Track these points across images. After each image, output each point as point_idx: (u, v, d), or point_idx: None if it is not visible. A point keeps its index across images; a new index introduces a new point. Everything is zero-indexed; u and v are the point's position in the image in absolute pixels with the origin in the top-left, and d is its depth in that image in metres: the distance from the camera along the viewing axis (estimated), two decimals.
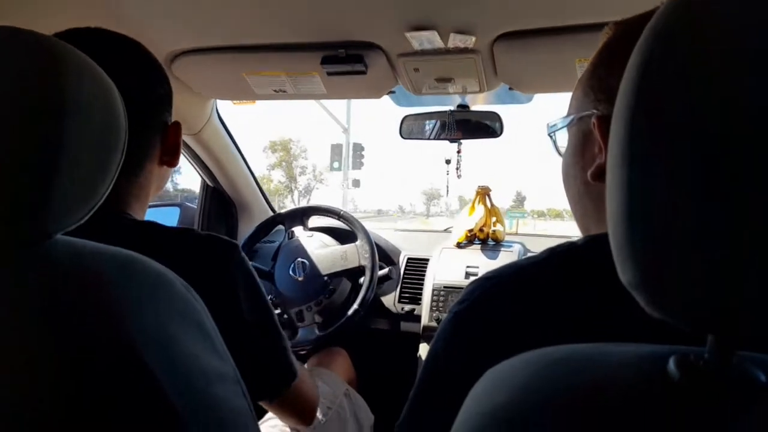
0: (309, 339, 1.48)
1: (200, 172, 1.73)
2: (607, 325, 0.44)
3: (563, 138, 0.62)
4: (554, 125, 0.62)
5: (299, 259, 1.53)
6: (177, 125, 0.79)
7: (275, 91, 1.32)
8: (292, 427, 1.06)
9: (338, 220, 1.61)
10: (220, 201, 1.84)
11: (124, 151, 0.50)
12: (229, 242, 0.74)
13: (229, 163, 1.70)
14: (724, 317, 0.26)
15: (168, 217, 1.92)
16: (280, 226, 1.73)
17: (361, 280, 1.51)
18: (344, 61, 1.14)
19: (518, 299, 0.51)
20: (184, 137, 1.41)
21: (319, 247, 1.58)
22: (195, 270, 0.56)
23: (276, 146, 36.92)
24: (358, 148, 17.27)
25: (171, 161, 0.79)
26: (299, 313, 1.51)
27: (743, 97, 0.25)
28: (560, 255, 0.52)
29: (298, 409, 0.86)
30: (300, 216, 1.67)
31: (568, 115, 0.59)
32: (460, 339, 0.53)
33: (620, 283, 0.30)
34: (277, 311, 1.49)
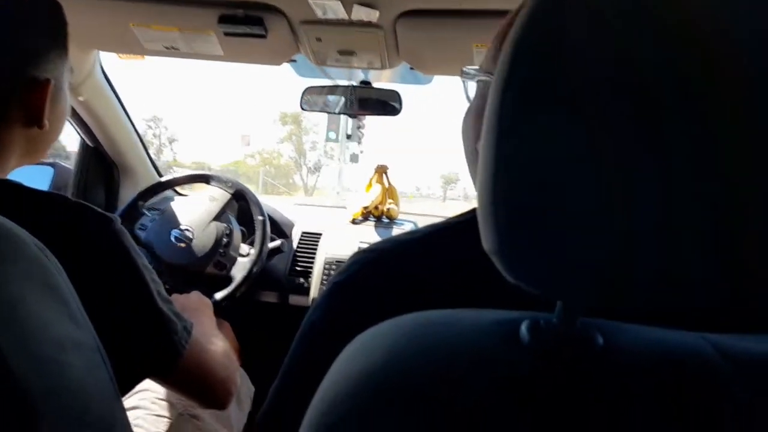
0: None
1: (78, 130, 1.58)
2: (475, 294, 0.46)
3: (472, 91, 0.60)
4: (467, 73, 0.60)
5: (184, 226, 1.45)
6: (46, 84, 0.69)
7: (166, 47, 1.23)
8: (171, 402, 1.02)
9: (230, 191, 1.54)
10: (100, 163, 1.69)
11: None
12: (103, 215, 0.67)
13: (112, 123, 1.56)
14: (570, 284, 0.29)
15: (39, 177, 1.73)
16: (168, 192, 1.63)
17: (247, 256, 1.47)
18: (243, 23, 1.09)
19: (395, 272, 0.51)
20: None
21: (205, 215, 1.50)
22: (61, 239, 0.51)
23: (287, 118, 33.35)
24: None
25: (36, 123, 0.69)
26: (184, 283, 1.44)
27: (611, 60, 0.26)
28: (440, 230, 0.54)
29: (198, 389, 0.78)
30: (190, 182, 1.58)
31: (478, 71, 0.58)
32: (337, 308, 0.53)
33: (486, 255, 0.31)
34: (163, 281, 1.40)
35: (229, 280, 1.45)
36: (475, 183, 0.61)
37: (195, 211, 1.48)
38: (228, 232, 1.48)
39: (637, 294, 0.29)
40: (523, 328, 0.31)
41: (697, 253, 0.27)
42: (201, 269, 1.44)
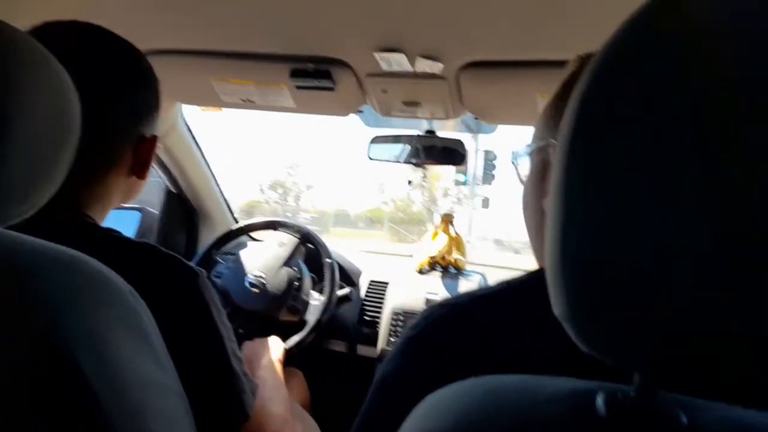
0: None
1: (163, 177, 1.70)
2: (549, 358, 0.44)
3: (525, 167, 0.62)
4: (516, 153, 0.63)
5: (257, 272, 1.49)
6: (153, 139, 0.75)
7: (243, 100, 1.31)
8: None
9: (304, 238, 1.58)
10: (182, 208, 1.80)
11: (76, 147, 0.48)
12: (191, 268, 0.70)
13: (192, 171, 1.67)
14: (648, 357, 0.27)
15: (128, 221, 1.87)
16: (242, 238, 1.70)
17: (318, 301, 1.49)
18: (313, 76, 1.14)
19: (469, 328, 0.51)
20: None
21: (276, 260, 1.54)
22: (150, 290, 0.53)
23: None
24: (490, 157, 12.17)
25: (141, 174, 0.76)
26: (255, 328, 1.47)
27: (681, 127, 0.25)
28: (514, 288, 0.53)
29: None
30: (259, 229, 1.64)
31: (531, 143, 0.60)
32: (410, 364, 0.53)
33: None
34: (234, 325, 1.43)
35: (301, 325, 1.46)
36: (536, 250, 0.60)
37: (266, 257, 1.53)
38: (299, 276, 1.51)
39: (726, 366, 0.26)
40: (599, 400, 0.29)
41: None
42: (275, 314, 1.46)
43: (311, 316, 1.47)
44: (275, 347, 1.23)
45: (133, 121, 0.73)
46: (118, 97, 0.71)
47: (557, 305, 0.29)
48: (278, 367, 1.14)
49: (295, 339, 1.42)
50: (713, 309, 0.25)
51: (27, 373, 0.39)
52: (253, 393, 0.74)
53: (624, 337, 0.27)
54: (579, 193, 0.27)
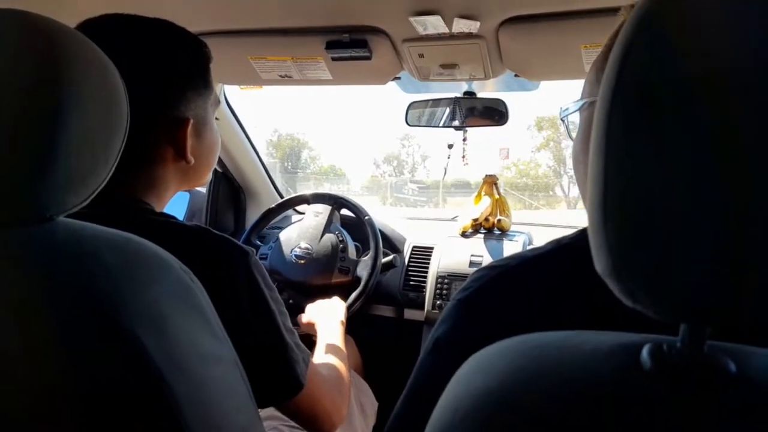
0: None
1: None
2: (599, 316, 0.44)
3: (576, 122, 0.61)
4: (566, 109, 0.62)
5: (303, 243, 1.54)
6: (187, 122, 0.75)
7: (281, 76, 1.32)
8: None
9: (329, 203, 1.61)
10: (228, 187, 1.85)
11: (126, 135, 0.50)
12: (242, 248, 0.73)
13: (237, 150, 1.70)
14: (696, 306, 0.26)
15: (178, 202, 1.94)
16: (290, 211, 1.74)
17: (366, 258, 1.52)
18: (348, 46, 1.14)
19: (519, 289, 0.51)
20: None
21: (315, 230, 1.58)
22: (204, 271, 0.56)
23: (543, 123, 30.25)
24: None
25: (182, 158, 0.76)
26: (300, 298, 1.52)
27: (728, 79, 0.25)
28: (564, 247, 0.53)
29: (308, 419, 0.81)
30: (305, 202, 1.67)
31: (580, 99, 0.59)
32: (461, 325, 0.53)
33: None
34: (283, 296, 1.49)
35: (355, 284, 1.50)
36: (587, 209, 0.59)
37: (305, 228, 1.58)
38: (342, 238, 1.55)
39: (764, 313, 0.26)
40: (645, 352, 0.29)
41: None
42: (328, 280, 1.51)
43: (363, 272, 1.50)
44: (337, 307, 1.28)
45: (162, 106, 0.74)
46: (158, 81, 0.73)
47: (599, 261, 0.29)
48: (340, 328, 1.18)
49: (353, 295, 1.46)
50: (761, 257, 0.25)
51: (91, 350, 0.42)
52: (306, 363, 0.77)
53: (669, 289, 0.26)
54: (621, 148, 0.27)
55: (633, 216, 0.27)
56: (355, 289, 1.48)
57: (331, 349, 1.05)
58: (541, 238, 1.63)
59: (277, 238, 1.59)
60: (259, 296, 0.72)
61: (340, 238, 1.55)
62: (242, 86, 1.50)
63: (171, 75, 0.75)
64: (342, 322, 1.21)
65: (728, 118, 0.25)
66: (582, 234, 0.53)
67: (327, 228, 1.56)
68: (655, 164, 0.26)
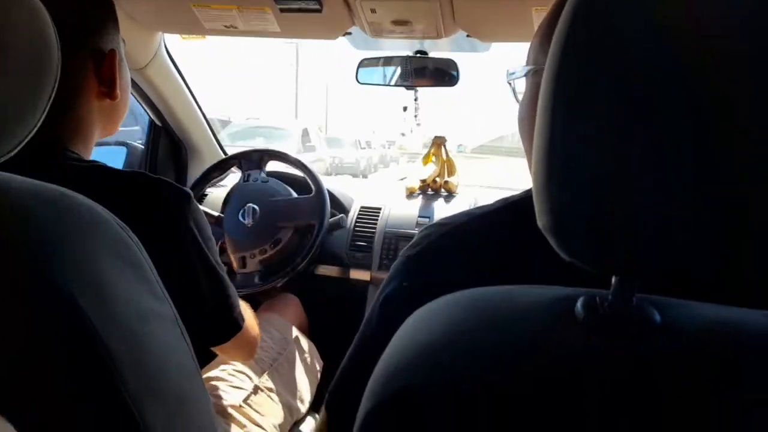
0: (246, 286, 1.46)
1: (147, 110, 1.65)
2: (544, 271, 0.45)
3: (521, 86, 0.61)
4: (512, 73, 0.62)
5: (250, 204, 1.50)
6: (113, 53, 0.74)
7: (225, 26, 1.26)
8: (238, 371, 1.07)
9: (295, 168, 1.58)
10: (168, 142, 1.77)
11: (57, 77, 0.47)
12: (181, 190, 0.72)
13: (177, 102, 1.62)
14: (626, 261, 0.29)
15: (113, 157, 1.84)
16: (233, 170, 1.68)
17: (310, 236, 1.51)
18: None
19: (468, 245, 0.52)
20: (129, 72, 1.34)
21: (272, 195, 1.55)
22: (142, 215, 0.55)
23: None
24: None
25: (110, 93, 0.74)
26: (242, 259, 1.49)
27: (670, 46, 0.26)
28: (512, 204, 0.54)
29: (240, 352, 0.88)
30: (256, 160, 1.62)
31: (526, 64, 0.59)
32: (410, 282, 0.54)
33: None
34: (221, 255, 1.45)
35: (301, 248, 1.49)
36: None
37: (254, 188, 1.54)
38: (290, 201, 1.52)
39: (696, 265, 0.28)
40: (579, 304, 0.31)
41: (759, 222, 0.26)
42: (273, 242, 1.48)
43: (309, 237, 1.50)
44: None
45: (93, 35, 0.72)
46: (77, 13, 0.69)
47: (541, 216, 0.31)
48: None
49: (298, 260, 1.45)
50: (687, 216, 0.27)
51: (22, 308, 0.40)
52: (237, 298, 0.80)
53: (602, 244, 0.29)
54: (567, 113, 0.29)
55: (574, 176, 0.29)
56: (301, 248, 1.47)
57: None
58: (488, 200, 1.66)
59: (226, 196, 1.55)
60: (202, 237, 0.72)
61: (289, 199, 1.53)
62: (184, 36, 1.42)
63: (92, 4, 0.72)
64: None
65: (666, 86, 0.26)
66: (528, 193, 0.54)
67: (277, 189, 1.53)
68: (596, 129, 0.28)
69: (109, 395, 0.42)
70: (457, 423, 0.29)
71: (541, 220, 0.31)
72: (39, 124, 0.46)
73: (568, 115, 0.29)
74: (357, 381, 0.55)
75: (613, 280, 0.30)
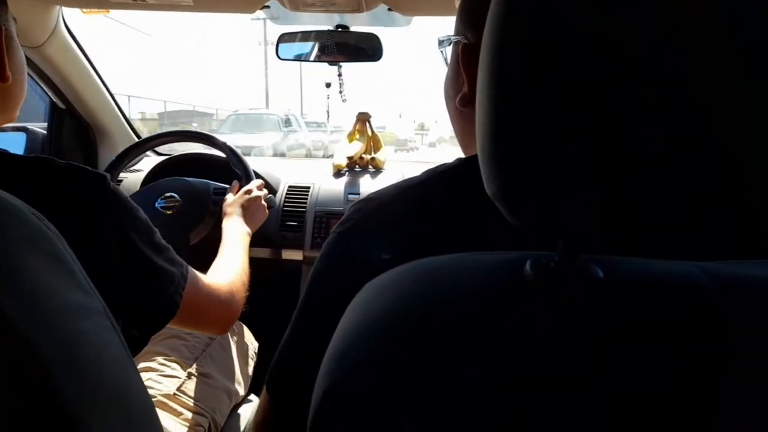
0: None
1: (48, 92, 1.52)
2: (481, 236, 0.47)
3: (449, 55, 0.62)
4: (441, 41, 0.62)
5: (168, 192, 1.40)
6: (1, 31, 0.67)
7: None
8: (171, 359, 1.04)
9: (221, 151, 1.48)
10: (74, 125, 1.64)
11: None
12: (95, 173, 0.67)
13: (81, 82, 1.51)
14: (570, 223, 0.31)
15: (11, 144, 1.69)
16: (149, 153, 1.59)
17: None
18: None
19: (398, 217, 0.52)
20: (25, 51, 1.22)
21: (192, 178, 1.46)
22: (54, 203, 0.51)
23: None
24: None
25: (3, 74, 0.68)
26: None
27: (608, 23, 0.28)
28: (437, 175, 0.55)
29: (195, 327, 0.87)
30: (172, 141, 1.54)
31: (453, 34, 0.59)
32: (343, 258, 0.54)
33: (487, 198, 0.33)
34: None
35: None
36: (458, 136, 0.62)
37: (183, 173, 1.45)
38: (215, 185, 1.44)
39: (633, 228, 0.30)
40: (528, 266, 0.32)
41: (694, 181, 0.29)
42: (199, 228, 1.38)
43: None
44: (253, 216, 1.28)
45: None
46: None
47: (491, 184, 0.32)
48: (245, 238, 1.19)
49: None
50: (621, 184, 0.29)
51: None
52: (184, 277, 0.76)
53: (549, 209, 0.31)
54: (512, 83, 0.30)
55: (520, 144, 0.30)
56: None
57: (229, 253, 1.09)
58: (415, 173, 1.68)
59: (142, 184, 1.45)
60: (119, 222, 0.68)
61: (212, 184, 1.44)
62: (84, 9, 1.31)
63: None
64: (248, 233, 1.23)
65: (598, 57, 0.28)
66: (456, 162, 0.55)
67: (198, 172, 1.45)
68: (541, 99, 0.29)
69: (42, 399, 0.39)
70: (417, 394, 0.30)
71: (491, 188, 0.33)
72: None
73: (511, 84, 0.30)
74: (298, 359, 0.55)
75: (560, 242, 0.32)
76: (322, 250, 0.56)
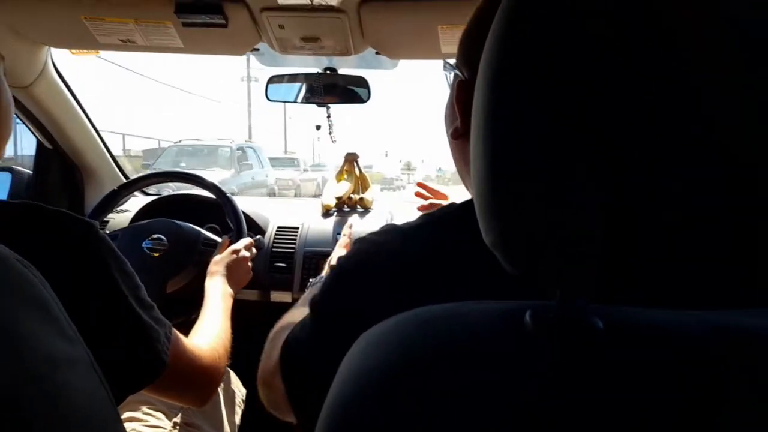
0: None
1: (35, 132, 1.52)
2: (473, 284, 0.47)
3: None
4: (445, 66, 0.62)
5: (156, 234, 1.37)
6: None
7: (122, 41, 1.19)
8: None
9: (209, 191, 1.47)
10: (61, 165, 1.63)
11: None
12: (82, 222, 0.65)
13: (69, 122, 1.50)
14: (567, 273, 0.30)
15: None
16: (137, 194, 1.58)
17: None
18: (201, 11, 1.05)
19: (395, 260, 0.52)
20: (12, 91, 1.22)
21: (181, 220, 1.44)
22: (42, 252, 0.49)
23: None
24: None
25: None
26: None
27: (604, 64, 0.28)
28: (436, 220, 0.55)
29: (178, 394, 0.78)
30: (159, 182, 1.53)
31: (455, 65, 0.60)
32: (343, 294, 0.54)
33: (482, 249, 0.33)
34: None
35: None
36: (455, 162, 0.62)
37: (172, 214, 1.42)
38: (199, 231, 1.42)
39: (634, 276, 0.30)
40: (527, 315, 0.32)
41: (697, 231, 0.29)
42: (187, 269, 1.35)
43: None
44: (235, 277, 1.23)
45: None
46: None
47: (488, 234, 0.32)
48: (227, 301, 1.14)
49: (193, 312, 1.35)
50: (622, 236, 0.29)
51: None
52: (168, 338, 0.73)
53: (549, 258, 0.30)
54: (509, 127, 0.30)
55: (517, 192, 0.30)
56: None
57: (211, 317, 1.03)
58: (402, 214, 1.68)
59: (127, 226, 1.42)
60: (108, 273, 0.66)
61: (200, 226, 1.42)
62: (74, 51, 1.32)
63: None
64: (231, 295, 1.18)
65: (600, 104, 0.28)
66: (450, 209, 0.55)
67: (186, 213, 1.43)
68: (538, 147, 0.29)
69: None
70: None
71: (488, 237, 0.33)
72: None
73: (508, 126, 0.30)
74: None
75: (558, 292, 0.32)
76: (323, 286, 0.56)
